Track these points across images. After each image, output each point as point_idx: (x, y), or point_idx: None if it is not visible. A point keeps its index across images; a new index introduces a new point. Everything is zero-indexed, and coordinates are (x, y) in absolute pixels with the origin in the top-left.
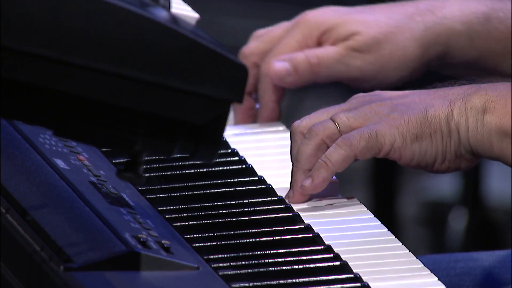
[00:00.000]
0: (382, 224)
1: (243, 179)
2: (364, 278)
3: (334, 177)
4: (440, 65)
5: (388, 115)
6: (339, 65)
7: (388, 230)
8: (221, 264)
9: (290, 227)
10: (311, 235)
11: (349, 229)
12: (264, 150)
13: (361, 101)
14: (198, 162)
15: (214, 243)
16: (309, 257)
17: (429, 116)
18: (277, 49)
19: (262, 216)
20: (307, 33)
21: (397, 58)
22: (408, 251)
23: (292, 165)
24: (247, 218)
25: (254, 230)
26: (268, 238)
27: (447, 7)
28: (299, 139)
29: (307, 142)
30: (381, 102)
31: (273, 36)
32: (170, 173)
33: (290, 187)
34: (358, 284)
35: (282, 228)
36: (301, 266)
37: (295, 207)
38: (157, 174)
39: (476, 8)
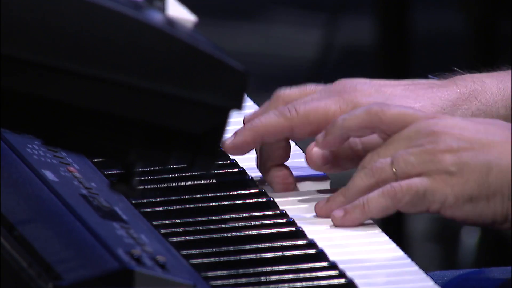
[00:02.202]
0: (390, 240)
1: (243, 192)
2: None
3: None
4: None
5: (447, 171)
6: None
7: (397, 245)
8: (219, 282)
9: (293, 243)
10: (315, 251)
11: (355, 245)
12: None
13: (427, 137)
14: (195, 173)
15: (212, 260)
16: (313, 274)
17: (490, 178)
18: (312, 108)
19: (263, 231)
20: (344, 108)
21: None
22: (418, 267)
23: (341, 192)
24: (247, 233)
25: (254, 246)
26: (270, 254)
27: (487, 91)
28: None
29: (362, 178)
30: (447, 148)
31: (305, 92)
32: (165, 185)
33: (327, 200)
34: None
35: (284, 243)
36: (304, 284)
37: (298, 221)
38: (152, 186)
39: None
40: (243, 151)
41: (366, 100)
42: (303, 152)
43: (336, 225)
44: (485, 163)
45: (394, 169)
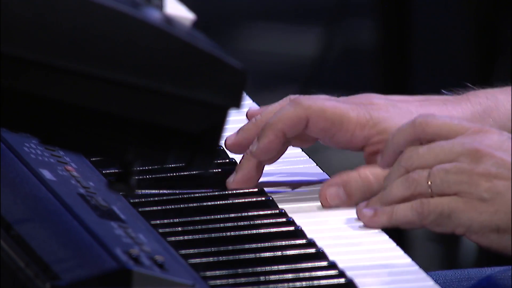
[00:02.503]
0: (390, 239)
1: (241, 191)
2: None
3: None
4: None
5: (480, 197)
6: None
7: (397, 245)
8: (218, 282)
9: (292, 242)
10: (314, 250)
11: (355, 244)
12: None
13: (469, 155)
14: (194, 172)
15: (211, 259)
16: (313, 273)
17: None
18: (330, 105)
19: (262, 230)
20: (363, 122)
21: None
22: (418, 267)
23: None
24: (246, 232)
25: (253, 245)
26: (269, 254)
27: (501, 107)
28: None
29: (399, 188)
30: (485, 172)
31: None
32: (163, 184)
33: (367, 204)
34: None
35: (283, 243)
36: (304, 283)
37: (298, 221)
38: (150, 185)
39: None
40: (271, 152)
41: (383, 114)
42: (309, 157)
43: (363, 222)
44: None
45: (429, 183)
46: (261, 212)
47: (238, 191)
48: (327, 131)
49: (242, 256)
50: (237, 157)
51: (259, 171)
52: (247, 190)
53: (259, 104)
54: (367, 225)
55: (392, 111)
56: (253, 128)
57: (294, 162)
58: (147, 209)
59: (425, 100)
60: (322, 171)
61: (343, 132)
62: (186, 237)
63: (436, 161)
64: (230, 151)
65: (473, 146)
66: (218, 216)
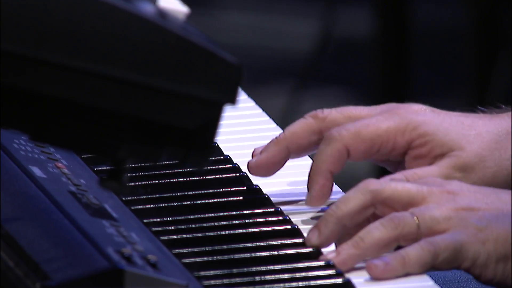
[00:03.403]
0: None
1: (237, 189)
2: None
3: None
4: None
5: (475, 226)
6: None
7: None
8: (213, 282)
9: (289, 241)
10: (311, 249)
11: None
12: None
13: (442, 195)
14: (188, 170)
15: (205, 259)
16: (309, 273)
17: None
18: (362, 125)
19: (258, 229)
20: (401, 128)
21: (502, 178)
22: None
23: (357, 241)
24: (241, 231)
25: (249, 244)
26: (265, 253)
27: None
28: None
29: (381, 230)
30: (468, 206)
31: (356, 113)
32: (157, 182)
33: (337, 252)
34: None
35: (279, 242)
36: (300, 284)
37: (294, 218)
38: (143, 183)
39: None
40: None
41: (421, 118)
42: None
43: (376, 275)
44: (508, 215)
45: (417, 222)
46: (257, 211)
47: (233, 189)
48: (371, 150)
49: (237, 256)
50: (234, 157)
51: (284, 159)
52: (242, 188)
53: (255, 99)
54: (382, 277)
55: (431, 115)
56: (276, 147)
57: (291, 160)
58: (139, 207)
59: (466, 112)
60: None
61: (385, 144)
62: (179, 236)
63: (409, 198)
64: (253, 174)
65: (443, 188)
66: (213, 215)
